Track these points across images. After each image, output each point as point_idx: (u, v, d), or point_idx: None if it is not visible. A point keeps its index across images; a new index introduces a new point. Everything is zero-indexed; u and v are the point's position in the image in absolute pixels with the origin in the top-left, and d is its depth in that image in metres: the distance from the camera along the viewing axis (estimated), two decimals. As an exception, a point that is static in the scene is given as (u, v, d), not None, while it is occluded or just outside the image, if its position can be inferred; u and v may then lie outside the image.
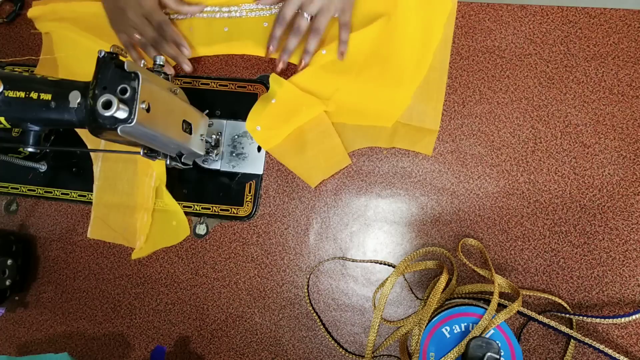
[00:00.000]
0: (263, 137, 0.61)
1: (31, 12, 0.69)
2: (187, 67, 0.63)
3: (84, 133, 0.66)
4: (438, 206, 0.59)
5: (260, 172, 0.63)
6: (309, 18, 0.58)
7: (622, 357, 0.50)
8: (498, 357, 0.45)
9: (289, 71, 0.64)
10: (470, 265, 0.55)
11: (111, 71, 0.45)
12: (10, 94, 0.48)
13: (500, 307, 0.55)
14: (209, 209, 0.63)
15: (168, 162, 0.55)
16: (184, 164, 0.58)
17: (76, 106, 0.47)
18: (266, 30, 0.64)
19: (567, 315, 0.54)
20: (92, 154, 0.66)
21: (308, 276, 0.60)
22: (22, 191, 0.68)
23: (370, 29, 0.59)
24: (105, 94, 0.43)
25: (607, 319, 0.51)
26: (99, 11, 0.66)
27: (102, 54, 0.46)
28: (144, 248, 0.63)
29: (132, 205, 0.63)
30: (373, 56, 0.60)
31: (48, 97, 0.48)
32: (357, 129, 0.61)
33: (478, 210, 0.58)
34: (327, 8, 0.57)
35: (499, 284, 0.52)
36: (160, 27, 0.61)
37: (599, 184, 0.56)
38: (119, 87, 0.44)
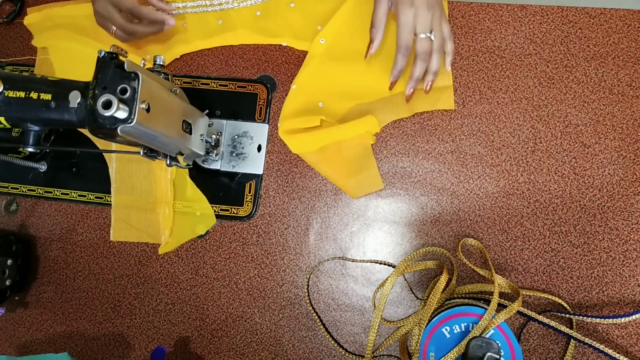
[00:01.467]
0: (296, 141, 0.60)
1: (27, 20, 0.69)
2: (172, 21, 0.61)
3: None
4: (438, 206, 0.59)
5: (260, 172, 0.63)
6: (431, 36, 0.53)
7: (622, 357, 0.50)
8: (498, 357, 0.45)
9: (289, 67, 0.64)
10: (470, 265, 0.55)
11: (111, 71, 0.45)
12: (10, 94, 0.48)
13: (500, 307, 0.55)
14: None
15: (168, 162, 0.55)
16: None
17: (76, 106, 0.47)
18: (259, 19, 0.65)
19: (567, 315, 0.54)
20: (105, 156, 0.66)
21: (308, 276, 0.60)
22: (22, 191, 0.68)
23: (361, 4, 0.60)
24: (105, 94, 0.43)
25: (607, 319, 0.51)
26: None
27: (102, 53, 0.46)
28: (170, 242, 0.63)
29: (152, 201, 0.63)
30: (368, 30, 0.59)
31: (48, 97, 0.48)
32: (375, 104, 0.61)
33: (478, 210, 0.58)
34: (436, 16, 0.53)
35: (499, 284, 0.52)
36: (131, 12, 0.60)
37: (599, 184, 0.56)
38: (119, 87, 0.44)
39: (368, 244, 0.60)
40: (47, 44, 0.68)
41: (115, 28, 0.61)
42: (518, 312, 0.55)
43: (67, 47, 0.67)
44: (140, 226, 0.64)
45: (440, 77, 0.59)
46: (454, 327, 0.49)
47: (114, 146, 0.64)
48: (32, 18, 0.69)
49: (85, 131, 0.66)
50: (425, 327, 0.50)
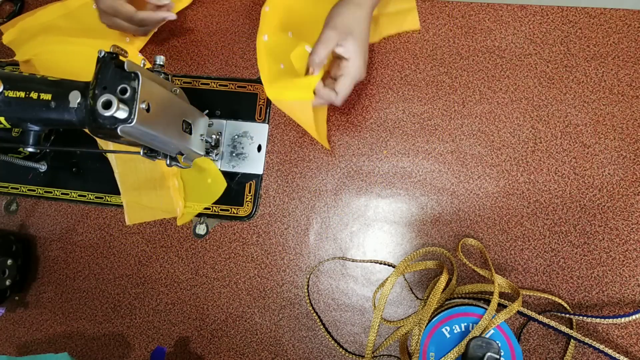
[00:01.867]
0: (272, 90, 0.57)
1: (5, 38, 0.69)
2: (173, 16, 0.62)
3: None
4: (438, 206, 0.59)
5: (260, 172, 0.63)
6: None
7: (622, 357, 0.50)
8: (498, 357, 0.45)
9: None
10: (470, 265, 0.55)
11: (111, 71, 0.45)
12: (10, 94, 0.48)
13: (500, 307, 0.55)
14: (209, 208, 0.63)
15: (168, 162, 0.55)
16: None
17: (76, 106, 0.47)
18: None
19: (567, 315, 0.54)
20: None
21: (308, 276, 0.60)
22: (22, 191, 0.68)
23: None
24: (105, 94, 0.43)
25: (607, 319, 0.51)
26: (66, 12, 0.67)
27: (102, 54, 0.46)
28: (185, 214, 0.63)
29: (159, 176, 0.63)
30: None
31: (48, 97, 0.48)
32: None
33: (478, 210, 0.58)
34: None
35: (499, 284, 0.52)
36: (132, 20, 0.60)
37: (599, 184, 0.56)
38: (119, 87, 0.44)
39: (368, 244, 0.60)
40: (29, 55, 0.68)
41: (127, 27, 0.62)
42: (518, 312, 0.55)
43: (47, 51, 0.67)
44: (153, 204, 0.63)
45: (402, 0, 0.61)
46: (454, 327, 0.49)
47: (111, 145, 0.64)
48: (10, 35, 0.69)
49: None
50: (425, 327, 0.50)
